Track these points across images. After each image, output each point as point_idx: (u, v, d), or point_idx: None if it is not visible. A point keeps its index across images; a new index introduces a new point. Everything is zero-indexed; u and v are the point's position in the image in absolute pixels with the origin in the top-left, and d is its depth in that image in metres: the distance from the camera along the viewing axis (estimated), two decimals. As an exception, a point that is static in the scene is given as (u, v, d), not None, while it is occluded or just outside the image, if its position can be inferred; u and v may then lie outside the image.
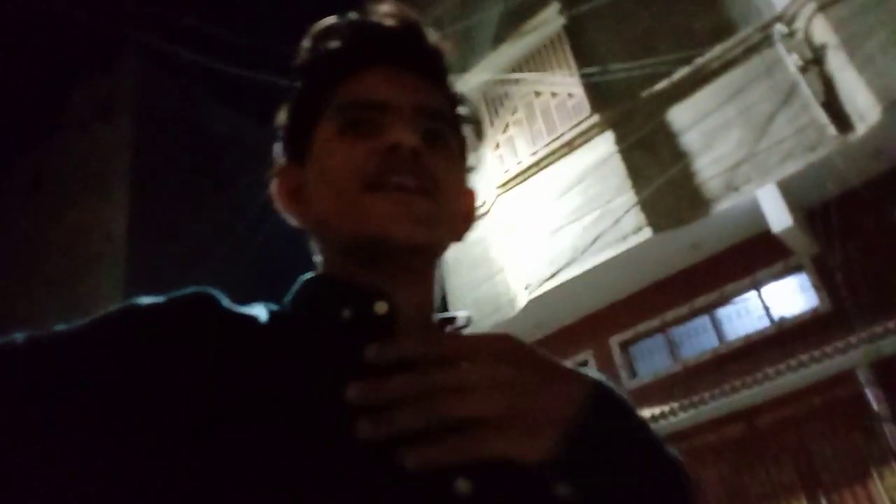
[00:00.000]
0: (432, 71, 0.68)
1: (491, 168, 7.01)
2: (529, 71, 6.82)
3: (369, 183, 0.59)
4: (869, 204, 4.99)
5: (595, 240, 5.98)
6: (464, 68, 7.09)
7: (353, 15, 0.68)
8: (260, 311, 0.59)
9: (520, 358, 0.48)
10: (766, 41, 5.34)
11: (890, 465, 5.14)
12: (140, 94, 11.46)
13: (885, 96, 4.61)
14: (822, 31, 4.97)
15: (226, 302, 0.58)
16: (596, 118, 6.20)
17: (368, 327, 0.57)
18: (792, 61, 5.11)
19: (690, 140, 5.75)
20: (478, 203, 0.73)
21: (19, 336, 0.51)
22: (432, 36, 0.69)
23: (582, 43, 6.48)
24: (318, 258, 0.67)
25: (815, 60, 5.00)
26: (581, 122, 6.28)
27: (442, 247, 0.65)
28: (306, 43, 0.68)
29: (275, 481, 0.46)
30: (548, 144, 6.51)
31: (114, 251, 9.70)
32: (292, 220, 0.68)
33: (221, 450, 0.46)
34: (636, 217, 5.87)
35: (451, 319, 0.65)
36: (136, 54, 11.52)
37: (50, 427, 0.45)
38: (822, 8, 4.98)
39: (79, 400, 0.47)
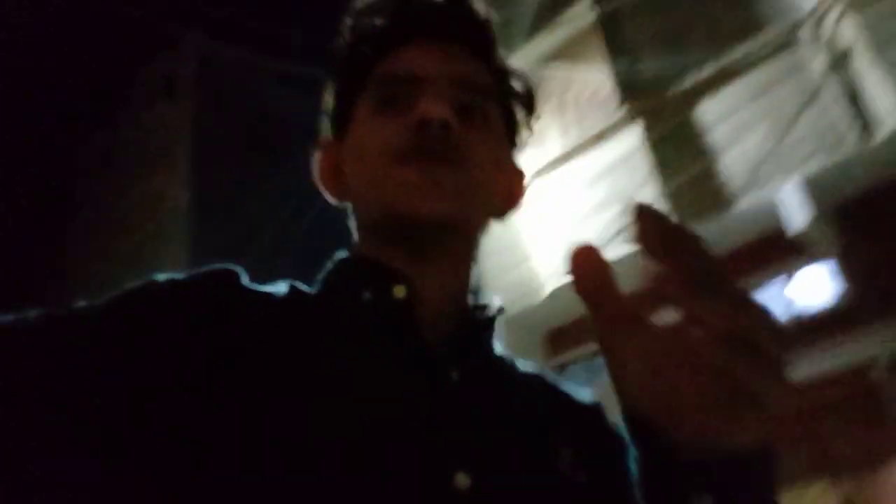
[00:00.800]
0: (475, 43, 0.64)
1: (524, 156, 7.21)
2: (563, 62, 6.94)
3: (398, 157, 0.58)
4: (889, 205, 5.02)
5: (619, 232, 6.17)
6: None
7: None
8: (281, 289, 0.58)
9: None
10: (792, 41, 5.34)
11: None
12: (202, 72, 11.94)
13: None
14: (849, 33, 4.95)
15: (245, 279, 0.57)
16: (625, 111, 6.32)
17: (387, 311, 0.56)
18: (820, 62, 5.11)
19: (716, 137, 5.83)
20: (526, 183, 0.70)
21: (33, 312, 0.49)
22: (477, 7, 0.66)
23: (615, 36, 6.56)
24: (353, 237, 0.65)
25: (840, 62, 5.00)
26: (610, 114, 6.42)
27: (475, 224, 0.63)
28: (348, 21, 0.66)
29: (277, 462, 0.44)
30: (578, 136, 6.67)
31: (178, 226, 10.35)
32: (329, 198, 0.68)
33: (226, 420, 0.45)
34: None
35: (483, 307, 0.62)
36: (199, 33, 11.99)
37: (63, 406, 0.43)
38: (849, 9, 4.95)
39: (94, 378, 0.45)
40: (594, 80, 6.68)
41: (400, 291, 0.56)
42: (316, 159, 0.68)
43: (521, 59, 7.22)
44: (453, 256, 0.61)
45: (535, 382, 0.65)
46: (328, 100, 0.69)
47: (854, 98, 4.99)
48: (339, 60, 0.67)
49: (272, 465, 0.45)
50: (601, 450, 0.58)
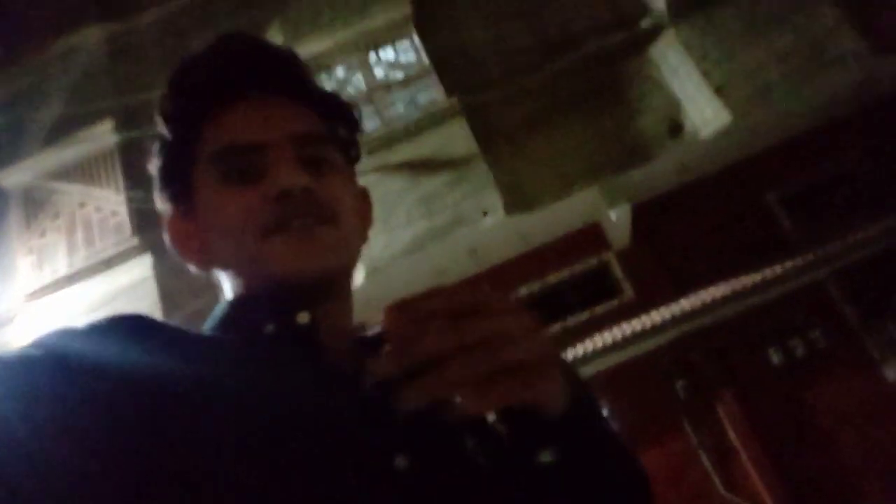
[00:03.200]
0: (296, 88, 0.65)
1: (23, 274, 6.51)
2: (78, 179, 6.63)
3: (265, 232, 0.58)
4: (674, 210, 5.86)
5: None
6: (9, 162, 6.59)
7: (200, 54, 0.65)
8: (189, 333, 0.57)
9: (528, 312, 0.47)
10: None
11: None
12: None
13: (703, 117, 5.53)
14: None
15: (154, 323, 0.55)
16: (136, 240, 6.29)
17: (291, 339, 0.56)
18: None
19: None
20: (369, 198, 0.73)
21: None
22: (282, 51, 0.67)
23: (133, 163, 6.59)
24: (228, 288, 0.64)
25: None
26: (121, 241, 6.30)
27: (352, 265, 0.65)
28: (164, 90, 0.65)
29: (219, 473, 0.45)
30: (86, 258, 6.34)
31: None
32: (193, 267, 0.66)
33: (163, 454, 0.44)
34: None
35: (363, 327, 0.65)
36: None
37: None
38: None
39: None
40: (108, 204, 6.52)
41: (303, 318, 0.57)
42: (167, 230, 0.66)
43: (33, 166, 6.65)
44: (339, 293, 0.63)
45: None
46: (155, 169, 0.66)
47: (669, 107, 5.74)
48: (163, 122, 0.66)
49: (219, 471, 0.45)
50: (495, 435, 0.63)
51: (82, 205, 6.60)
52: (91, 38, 7.16)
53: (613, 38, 6.12)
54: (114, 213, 6.49)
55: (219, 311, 0.63)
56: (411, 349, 0.42)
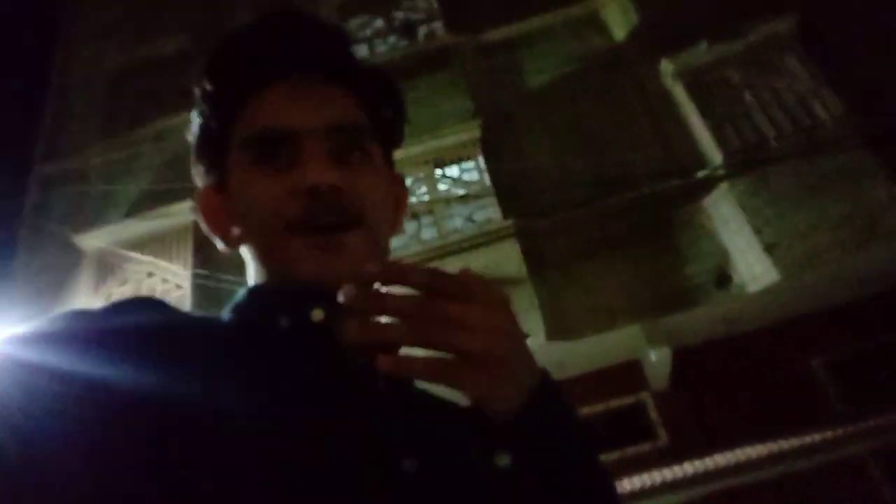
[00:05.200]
0: (340, 70, 0.64)
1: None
2: (151, 251, 7.09)
3: (290, 227, 0.58)
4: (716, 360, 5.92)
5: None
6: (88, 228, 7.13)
7: (246, 29, 0.65)
8: (205, 322, 0.58)
9: (508, 312, 0.47)
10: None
11: None
12: None
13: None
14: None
15: (172, 311, 0.56)
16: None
17: (305, 335, 0.55)
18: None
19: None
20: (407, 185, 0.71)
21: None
22: (328, 30, 0.65)
23: (204, 243, 7.03)
24: (252, 270, 0.64)
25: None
26: (179, 315, 6.65)
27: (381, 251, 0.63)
28: (206, 67, 0.65)
29: (230, 471, 0.45)
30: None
31: None
32: (220, 244, 0.65)
33: (177, 452, 0.45)
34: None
35: None
36: None
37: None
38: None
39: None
40: (174, 278, 6.92)
41: (318, 315, 0.56)
42: (197, 202, 0.67)
43: (111, 233, 7.16)
44: None
45: (426, 394, 0.67)
46: (193, 143, 0.67)
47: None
48: (202, 101, 0.66)
49: (229, 470, 0.46)
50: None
51: (150, 275, 7.02)
52: (185, 122, 7.83)
53: (668, 183, 6.38)
54: (178, 287, 6.87)
55: (238, 297, 0.63)
56: (378, 304, 0.42)
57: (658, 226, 6.27)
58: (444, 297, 0.43)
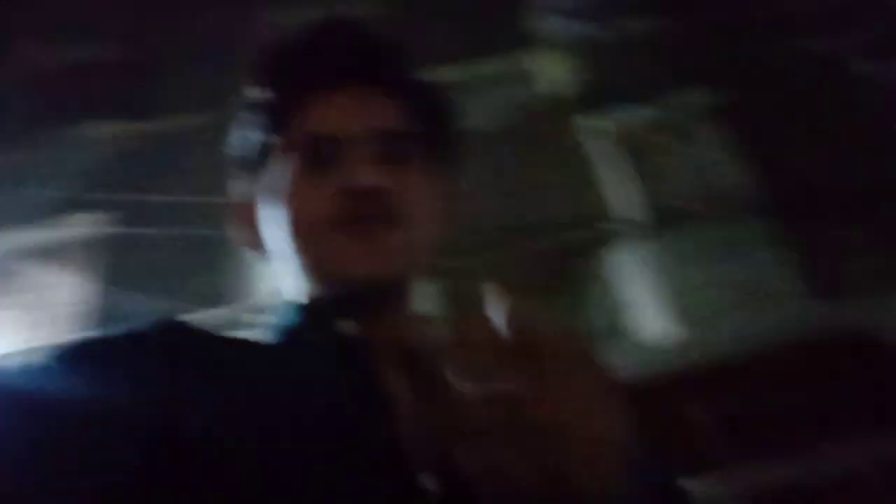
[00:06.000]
0: (391, 82, 0.64)
1: None
2: (52, 260, 6.79)
3: (333, 224, 0.58)
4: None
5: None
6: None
7: (298, 40, 0.64)
8: (240, 338, 0.56)
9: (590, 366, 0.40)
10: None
11: None
12: None
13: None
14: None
15: (200, 328, 0.55)
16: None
17: (335, 348, 0.55)
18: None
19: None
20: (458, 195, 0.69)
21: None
22: (382, 42, 0.65)
23: (113, 256, 6.77)
24: (288, 281, 0.63)
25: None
26: (70, 332, 6.37)
27: (415, 274, 0.62)
28: (262, 68, 0.65)
29: (238, 484, 0.44)
30: (26, 341, 6.38)
31: None
32: (248, 250, 0.65)
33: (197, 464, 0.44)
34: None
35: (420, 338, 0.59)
36: None
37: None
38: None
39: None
40: (76, 293, 6.65)
41: (349, 327, 0.55)
42: (232, 211, 0.66)
43: (7, 242, 6.83)
44: (396, 302, 0.60)
45: None
46: (238, 141, 0.65)
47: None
48: (251, 107, 0.64)
49: (254, 484, 0.44)
50: None
51: (48, 287, 6.73)
52: (101, 132, 7.63)
53: (574, 234, 6.60)
54: (77, 302, 6.60)
55: (280, 308, 0.62)
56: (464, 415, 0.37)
57: (560, 274, 6.46)
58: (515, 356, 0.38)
